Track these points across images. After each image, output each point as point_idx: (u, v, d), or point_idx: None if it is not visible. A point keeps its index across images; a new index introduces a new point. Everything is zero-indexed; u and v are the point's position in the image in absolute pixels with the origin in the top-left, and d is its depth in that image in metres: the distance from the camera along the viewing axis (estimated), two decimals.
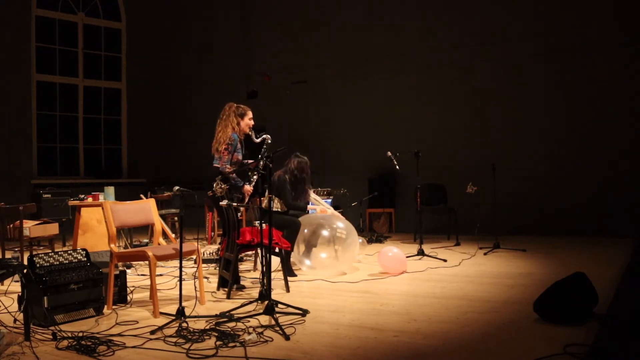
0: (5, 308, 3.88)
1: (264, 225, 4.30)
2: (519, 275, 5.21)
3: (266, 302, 3.78)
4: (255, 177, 5.39)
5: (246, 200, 5.39)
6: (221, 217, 5.47)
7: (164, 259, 4.34)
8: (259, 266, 5.39)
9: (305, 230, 5.55)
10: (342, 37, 9.84)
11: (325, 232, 5.54)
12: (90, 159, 11.43)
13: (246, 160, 5.52)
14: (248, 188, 5.42)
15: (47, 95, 10.86)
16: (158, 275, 5.24)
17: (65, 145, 11.13)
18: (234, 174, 5.35)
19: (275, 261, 4.87)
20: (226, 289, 4.62)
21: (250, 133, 5.50)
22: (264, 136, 5.49)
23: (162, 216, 7.15)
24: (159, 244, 4.57)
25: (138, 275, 5.59)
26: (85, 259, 4.16)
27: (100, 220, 6.20)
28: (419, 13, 9.23)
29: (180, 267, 3.88)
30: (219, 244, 6.99)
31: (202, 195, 5.33)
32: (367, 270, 5.68)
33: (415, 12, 9.25)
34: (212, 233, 8.17)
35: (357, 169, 9.51)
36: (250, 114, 5.51)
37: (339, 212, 6.93)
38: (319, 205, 6.25)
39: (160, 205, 7.74)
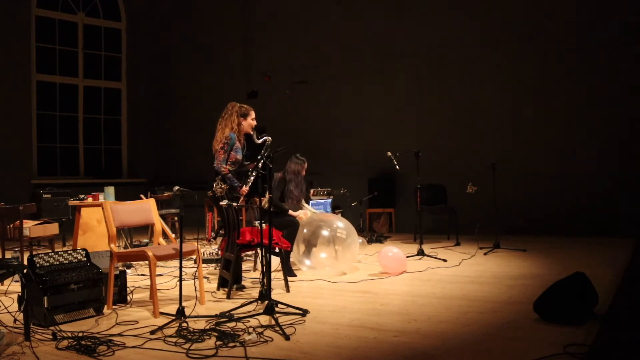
0: (5, 308, 3.88)
1: (264, 225, 4.30)
2: (519, 275, 5.21)
3: (266, 302, 3.78)
4: (252, 178, 5.32)
5: (240, 201, 5.34)
6: (221, 217, 5.45)
7: (164, 259, 4.34)
8: (259, 266, 5.39)
9: (305, 230, 5.55)
10: (342, 38, 9.84)
11: (325, 232, 5.54)
12: (90, 159, 11.42)
13: (246, 162, 5.50)
14: (244, 190, 5.36)
15: (47, 95, 10.84)
16: (158, 275, 5.24)
17: (65, 145, 11.12)
18: (230, 174, 5.31)
19: (275, 261, 4.87)
20: (226, 289, 4.62)
21: (252, 133, 5.46)
22: (265, 138, 5.46)
23: (162, 216, 7.14)
24: (159, 244, 4.57)
25: (138, 275, 5.59)
26: (85, 259, 4.16)
27: (100, 220, 6.19)
28: (419, 13, 9.23)
29: (180, 267, 3.88)
30: (219, 236, 6.95)
31: (202, 195, 5.32)
32: (367, 270, 5.68)
33: (415, 12, 9.25)
34: (212, 233, 8.17)
35: (357, 169, 9.51)
36: (253, 114, 5.47)
37: (339, 212, 6.90)
38: (303, 211, 6.08)
39: (160, 205, 7.73)
